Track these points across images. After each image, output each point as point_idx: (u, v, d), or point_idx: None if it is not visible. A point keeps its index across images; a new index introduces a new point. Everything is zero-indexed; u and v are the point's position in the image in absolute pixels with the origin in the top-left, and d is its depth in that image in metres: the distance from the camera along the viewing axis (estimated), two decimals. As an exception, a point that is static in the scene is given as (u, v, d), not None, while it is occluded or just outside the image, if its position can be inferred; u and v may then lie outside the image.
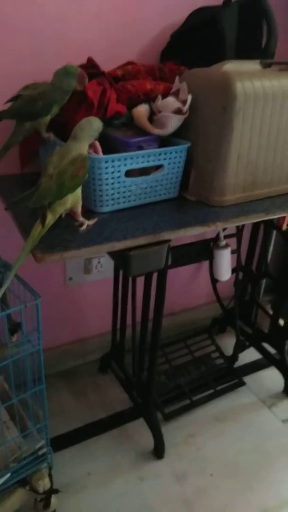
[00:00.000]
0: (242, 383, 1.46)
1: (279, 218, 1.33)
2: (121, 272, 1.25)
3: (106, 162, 0.83)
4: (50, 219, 0.75)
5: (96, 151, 0.84)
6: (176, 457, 1.22)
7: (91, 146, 0.82)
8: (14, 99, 0.91)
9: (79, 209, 0.81)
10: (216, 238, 1.35)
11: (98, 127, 0.80)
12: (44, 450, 0.93)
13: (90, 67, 0.99)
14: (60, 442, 1.23)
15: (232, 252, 1.38)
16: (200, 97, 0.89)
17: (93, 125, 0.79)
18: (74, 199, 0.78)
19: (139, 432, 1.28)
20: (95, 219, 0.84)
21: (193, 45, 1.09)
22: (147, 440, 1.24)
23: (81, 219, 0.82)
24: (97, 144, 0.83)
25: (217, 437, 1.29)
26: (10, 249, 0.88)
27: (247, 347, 1.55)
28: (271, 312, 1.56)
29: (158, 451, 1.22)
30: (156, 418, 1.24)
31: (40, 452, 0.93)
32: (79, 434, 1.27)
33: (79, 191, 0.79)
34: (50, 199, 0.73)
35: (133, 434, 1.28)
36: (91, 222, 0.83)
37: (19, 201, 0.77)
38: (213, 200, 0.93)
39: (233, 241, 1.39)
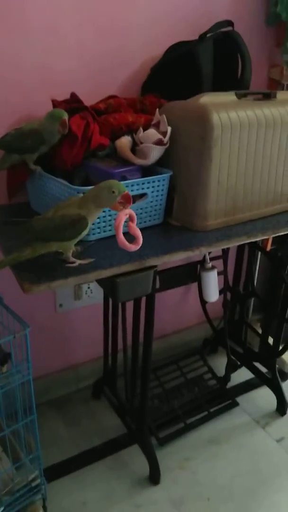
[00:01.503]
0: (236, 404, 1.46)
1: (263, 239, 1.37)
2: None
3: (91, 192, 0.86)
4: (28, 253, 0.76)
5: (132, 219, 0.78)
6: (171, 482, 1.21)
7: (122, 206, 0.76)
8: None
9: (67, 254, 0.80)
10: (203, 261, 1.37)
11: (112, 186, 0.73)
12: (38, 481, 0.93)
13: (74, 102, 1.03)
14: (54, 472, 1.21)
15: (219, 273, 1.40)
16: (179, 128, 0.93)
17: (108, 188, 0.74)
18: (61, 247, 0.79)
19: (134, 458, 1.27)
20: (82, 248, 0.85)
21: (171, 78, 1.14)
22: (142, 466, 1.23)
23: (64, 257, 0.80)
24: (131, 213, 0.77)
25: (212, 460, 1.28)
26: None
27: (239, 367, 1.56)
28: (260, 331, 1.57)
29: (154, 477, 1.21)
30: (150, 444, 1.23)
31: (33, 484, 0.92)
32: (73, 463, 1.26)
33: (69, 244, 0.78)
34: (32, 236, 0.76)
35: (128, 461, 1.27)
36: (83, 261, 0.81)
37: (9, 222, 0.80)
38: (197, 225, 0.96)
39: (219, 263, 1.42)
